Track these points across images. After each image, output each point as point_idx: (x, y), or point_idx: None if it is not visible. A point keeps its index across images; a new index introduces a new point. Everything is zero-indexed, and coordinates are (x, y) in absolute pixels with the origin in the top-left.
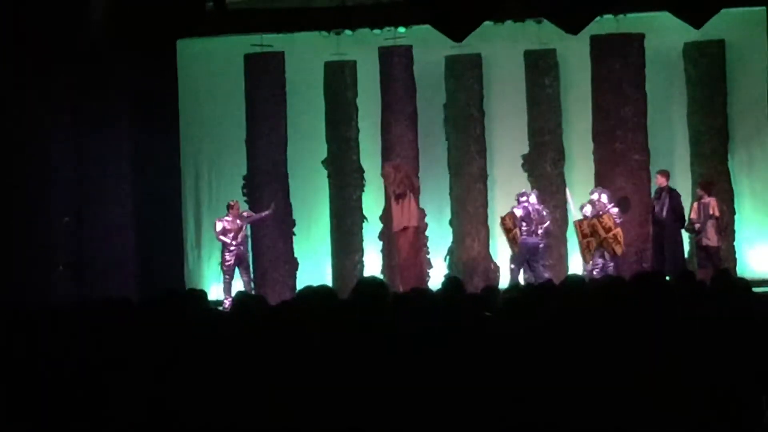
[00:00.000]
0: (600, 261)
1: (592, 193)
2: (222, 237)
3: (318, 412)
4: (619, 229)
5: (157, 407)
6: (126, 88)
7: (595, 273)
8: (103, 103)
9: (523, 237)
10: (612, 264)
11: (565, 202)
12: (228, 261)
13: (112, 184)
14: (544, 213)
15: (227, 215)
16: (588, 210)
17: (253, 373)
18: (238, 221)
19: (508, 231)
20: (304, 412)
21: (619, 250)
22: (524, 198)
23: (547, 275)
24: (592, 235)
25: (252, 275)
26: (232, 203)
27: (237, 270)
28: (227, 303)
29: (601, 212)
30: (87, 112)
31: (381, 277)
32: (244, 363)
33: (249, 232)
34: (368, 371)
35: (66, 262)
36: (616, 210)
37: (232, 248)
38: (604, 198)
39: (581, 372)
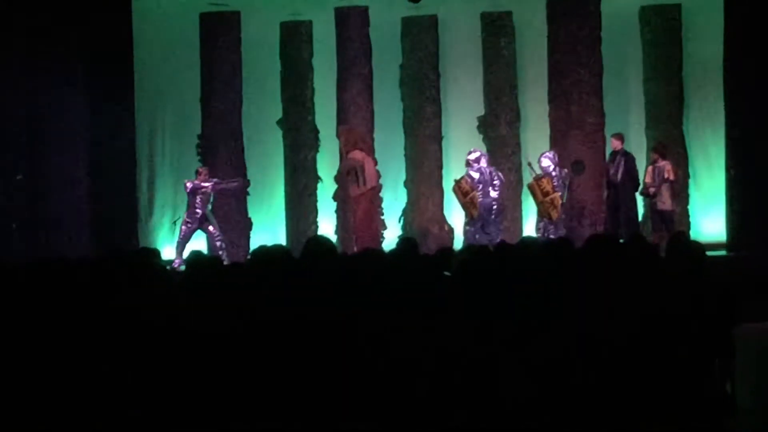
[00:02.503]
0: (541, 225)
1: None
2: (192, 195)
3: (272, 373)
4: (557, 194)
5: (111, 367)
6: (80, 45)
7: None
8: (56, 60)
9: (480, 199)
10: (552, 227)
11: (526, 164)
12: (189, 222)
13: (66, 142)
14: (497, 174)
15: (196, 179)
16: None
17: (205, 333)
18: (207, 186)
19: (465, 194)
20: (258, 374)
21: (554, 214)
22: (474, 158)
23: (500, 237)
24: (551, 192)
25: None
26: (201, 169)
27: (195, 234)
28: (177, 263)
29: (541, 176)
30: (40, 68)
31: (335, 237)
32: (196, 322)
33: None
34: (321, 330)
35: (19, 220)
36: (564, 172)
37: (197, 210)
38: (546, 161)
39: (534, 333)
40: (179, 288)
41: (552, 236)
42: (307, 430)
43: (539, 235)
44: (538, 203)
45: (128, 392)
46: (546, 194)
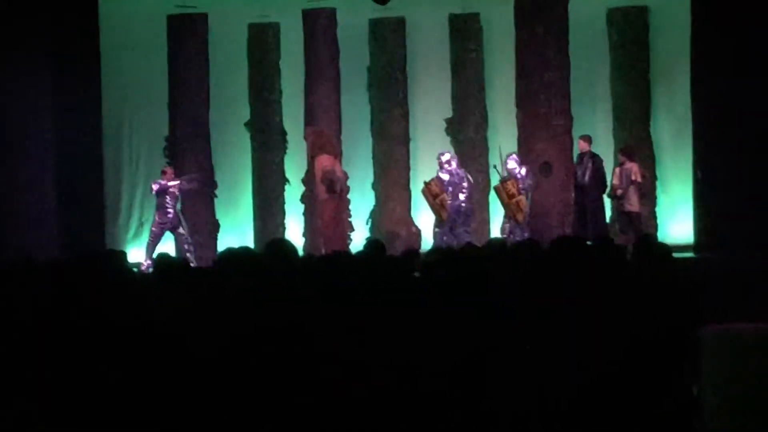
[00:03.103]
0: (507, 227)
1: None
2: (161, 195)
3: (238, 374)
4: (522, 197)
5: (77, 369)
6: (47, 48)
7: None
8: (22, 63)
9: (449, 201)
10: (518, 229)
11: (492, 167)
12: (161, 224)
13: (32, 144)
14: (466, 177)
15: (161, 179)
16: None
17: (174, 335)
18: (174, 185)
19: (435, 196)
20: (225, 375)
21: (520, 217)
22: (446, 159)
23: (467, 239)
24: (517, 195)
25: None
26: (166, 169)
27: (164, 236)
28: (146, 266)
29: (506, 178)
30: (5, 71)
31: (303, 240)
32: (164, 325)
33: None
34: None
35: None
36: (524, 173)
37: (169, 211)
38: (511, 164)
39: (502, 333)
40: (147, 290)
41: (518, 238)
42: None
43: (505, 236)
44: (504, 205)
45: (93, 397)
46: (512, 196)
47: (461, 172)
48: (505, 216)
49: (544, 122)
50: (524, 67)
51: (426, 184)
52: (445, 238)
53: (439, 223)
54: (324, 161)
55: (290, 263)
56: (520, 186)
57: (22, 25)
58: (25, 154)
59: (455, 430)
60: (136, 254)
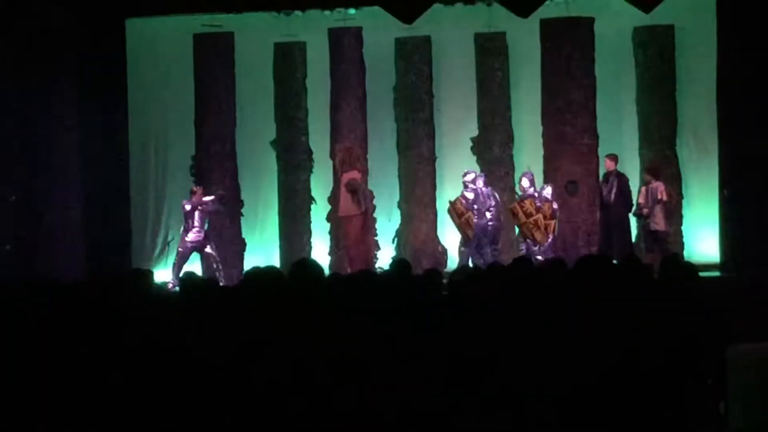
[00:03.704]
0: (523, 246)
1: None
2: (189, 218)
3: (266, 392)
4: (540, 215)
5: (104, 388)
6: (74, 67)
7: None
8: (51, 83)
9: (474, 220)
10: (535, 249)
11: (514, 184)
12: (190, 242)
13: (60, 164)
14: (492, 196)
15: (191, 198)
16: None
17: (202, 354)
18: (207, 202)
19: (460, 215)
20: (253, 394)
21: (539, 236)
22: (470, 179)
23: (494, 258)
24: (534, 213)
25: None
26: (195, 189)
27: (191, 256)
28: (172, 285)
29: (524, 197)
30: (34, 92)
31: (329, 259)
32: (191, 344)
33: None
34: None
35: (12, 241)
36: (549, 192)
37: (198, 230)
38: (525, 182)
39: (528, 353)
40: (175, 310)
41: (538, 257)
42: None
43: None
44: (521, 225)
45: (120, 416)
46: (529, 215)
47: (488, 190)
48: (522, 235)
49: (570, 141)
50: (550, 85)
51: (451, 203)
52: (472, 257)
53: (465, 241)
54: (354, 174)
55: (316, 284)
56: (537, 205)
57: (48, 46)
58: (52, 174)
59: None
60: (162, 274)
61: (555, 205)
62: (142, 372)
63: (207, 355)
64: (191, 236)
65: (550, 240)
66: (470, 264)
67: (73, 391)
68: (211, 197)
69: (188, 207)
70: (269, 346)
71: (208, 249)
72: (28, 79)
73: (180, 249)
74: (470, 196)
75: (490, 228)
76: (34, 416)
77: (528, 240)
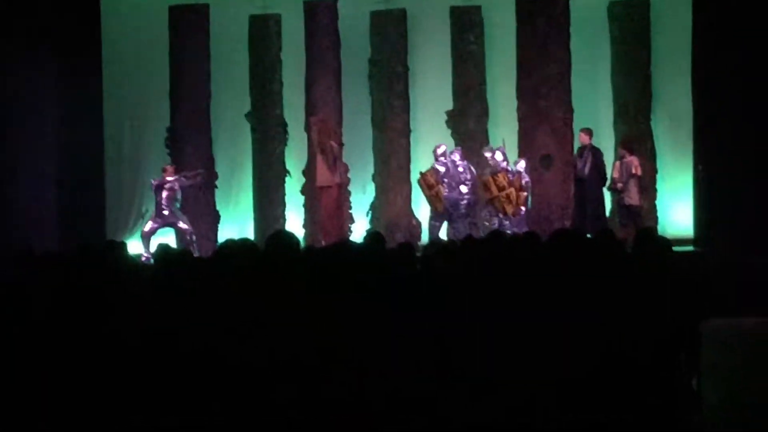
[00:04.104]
0: (495, 220)
1: (485, 150)
2: (158, 192)
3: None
4: (512, 189)
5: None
6: (49, 38)
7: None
8: (26, 54)
9: (445, 193)
10: (507, 223)
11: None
12: (156, 219)
13: (34, 135)
14: (468, 169)
15: (161, 177)
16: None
17: (174, 324)
18: (171, 181)
19: (430, 187)
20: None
21: (509, 209)
22: (441, 152)
23: (467, 232)
24: (507, 187)
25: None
26: (167, 167)
27: (158, 230)
28: (146, 257)
29: (496, 170)
30: (9, 62)
31: (303, 231)
32: (164, 314)
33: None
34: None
35: None
36: (522, 166)
37: (164, 208)
38: (498, 156)
39: (500, 325)
40: (150, 282)
41: (509, 231)
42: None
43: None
44: (493, 198)
45: (93, 388)
46: (501, 189)
47: (464, 164)
48: (493, 209)
49: (545, 115)
50: (525, 60)
51: (422, 174)
52: (443, 230)
53: (434, 215)
54: (333, 144)
55: (292, 255)
56: (510, 179)
57: (24, 18)
58: (26, 145)
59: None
60: (137, 246)
61: (527, 178)
62: (117, 344)
63: (182, 328)
64: (159, 213)
65: (522, 213)
66: (442, 237)
67: (45, 362)
68: (174, 177)
69: (154, 183)
70: (245, 319)
71: (180, 224)
72: (3, 49)
73: (150, 222)
74: (441, 169)
75: (464, 202)
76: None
77: (500, 214)
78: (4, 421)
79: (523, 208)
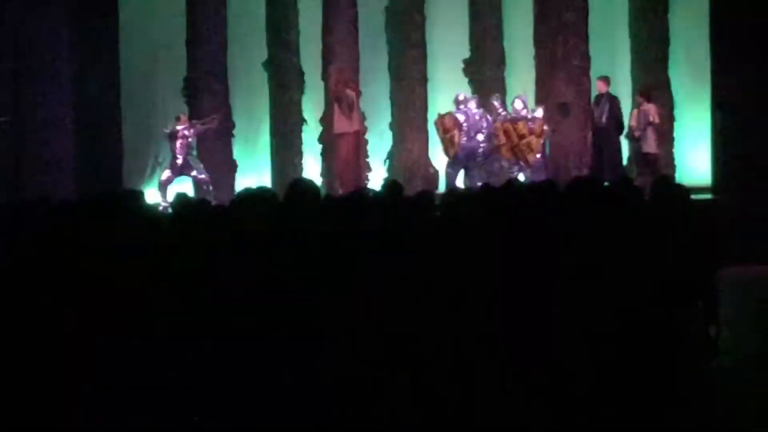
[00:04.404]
0: (515, 168)
1: (494, 99)
2: (172, 141)
3: (259, 314)
4: (533, 137)
5: (100, 309)
6: None
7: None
8: (42, 4)
9: (463, 142)
10: (528, 171)
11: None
12: (170, 168)
13: (51, 85)
14: (485, 117)
15: (176, 125)
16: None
17: (194, 274)
18: (186, 131)
19: (446, 131)
20: (245, 315)
21: (531, 158)
22: (462, 99)
23: (483, 180)
24: (527, 135)
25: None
26: (180, 115)
27: (178, 178)
28: (163, 206)
29: (517, 118)
30: (24, 8)
31: (320, 180)
32: (184, 264)
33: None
34: (310, 271)
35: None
36: (540, 114)
37: (177, 157)
38: (518, 104)
39: (521, 273)
40: (168, 230)
41: (529, 179)
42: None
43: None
44: (513, 146)
45: (112, 333)
46: (522, 137)
47: (480, 112)
48: (513, 157)
49: (562, 63)
50: (542, 7)
51: (440, 116)
52: (463, 178)
53: (450, 162)
54: (348, 92)
55: (311, 203)
56: (530, 126)
57: None
58: (43, 94)
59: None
60: (154, 194)
61: (545, 126)
62: (133, 291)
63: (199, 277)
64: (173, 162)
65: (540, 159)
66: (458, 184)
67: (64, 312)
68: (186, 125)
69: (168, 131)
70: (265, 270)
71: (194, 173)
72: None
73: (165, 171)
74: (461, 117)
75: (481, 150)
76: (25, 338)
77: (521, 162)
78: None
79: (539, 155)
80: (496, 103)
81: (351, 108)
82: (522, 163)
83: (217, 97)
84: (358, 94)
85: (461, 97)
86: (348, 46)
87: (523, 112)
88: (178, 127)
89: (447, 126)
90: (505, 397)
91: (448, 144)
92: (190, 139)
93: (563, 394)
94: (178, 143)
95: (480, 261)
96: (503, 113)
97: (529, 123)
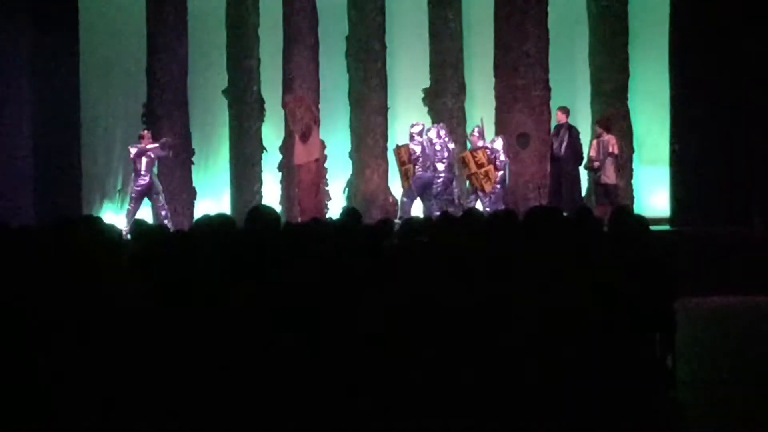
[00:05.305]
0: (472, 197)
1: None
2: (138, 159)
3: (216, 341)
4: (491, 167)
5: (53, 337)
6: (25, 13)
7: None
8: (2, 18)
9: (419, 173)
10: (486, 200)
11: (468, 135)
12: (136, 188)
13: (8, 107)
14: (446, 147)
15: (139, 143)
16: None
17: (150, 301)
18: (154, 147)
19: (401, 164)
20: (203, 343)
21: (488, 187)
22: (417, 131)
23: (441, 209)
24: (486, 164)
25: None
26: (143, 133)
27: (142, 201)
28: (124, 233)
29: (475, 147)
30: None
31: (279, 207)
32: (140, 291)
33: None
34: (267, 298)
35: None
36: (500, 144)
37: (144, 175)
38: (477, 133)
39: (476, 301)
40: (129, 258)
41: (487, 209)
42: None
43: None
44: (471, 174)
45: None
46: (480, 165)
47: (441, 141)
48: (471, 186)
49: (522, 93)
50: (503, 37)
51: (398, 147)
52: (426, 207)
53: (405, 192)
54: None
55: (271, 230)
56: (489, 156)
57: None
58: (2, 119)
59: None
60: (113, 221)
61: (503, 156)
62: (92, 320)
63: (158, 303)
64: (138, 181)
65: (498, 189)
66: (415, 215)
67: (24, 337)
68: (156, 144)
69: (133, 152)
70: (222, 294)
71: (155, 195)
72: None
73: (132, 195)
74: (416, 149)
75: (440, 179)
76: None
77: (478, 191)
78: None
79: (498, 186)
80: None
81: (309, 137)
82: (480, 192)
83: (176, 123)
84: (318, 122)
85: (416, 129)
86: (308, 73)
87: (479, 142)
88: (149, 147)
89: (402, 158)
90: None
91: (403, 175)
92: (154, 158)
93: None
94: (145, 161)
95: (435, 288)
96: (479, 142)
97: (488, 152)
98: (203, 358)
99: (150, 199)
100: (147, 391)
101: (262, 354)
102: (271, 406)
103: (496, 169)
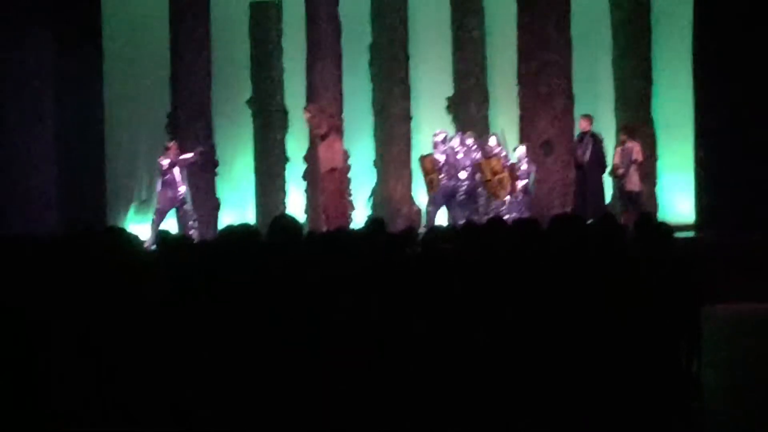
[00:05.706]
0: (493, 204)
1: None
2: (168, 174)
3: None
4: (506, 174)
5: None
6: (49, 21)
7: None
8: (24, 34)
9: (443, 181)
10: (503, 208)
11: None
12: (170, 200)
13: (33, 118)
14: (471, 155)
15: (167, 155)
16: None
17: (176, 312)
18: (189, 157)
19: (426, 173)
20: (227, 352)
21: (502, 195)
22: (441, 139)
23: (467, 218)
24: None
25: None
26: (169, 144)
27: (169, 213)
28: (148, 244)
29: (489, 155)
30: (7, 47)
31: (304, 217)
32: (166, 302)
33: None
34: (291, 308)
35: None
36: (523, 152)
37: (180, 186)
38: (492, 141)
39: (500, 309)
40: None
41: (512, 215)
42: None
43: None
44: (486, 182)
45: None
46: (495, 173)
47: (464, 149)
48: (488, 193)
49: (546, 102)
50: (526, 46)
51: (422, 157)
52: (447, 216)
53: (431, 200)
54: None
55: (293, 240)
56: (504, 164)
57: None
58: (26, 129)
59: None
60: (137, 231)
61: (525, 166)
62: (117, 328)
63: (182, 313)
64: (172, 193)
65: (521, 197)
66: (440, 222)
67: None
68: (189, 155)
69: (165, 163)
70: (246, 303)
71: (186, 206)
72: (1, 30)
73: (158, 207)
74: (440, 158)
75: (463, 188)
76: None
77: (492, 200)
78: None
79: (520, 195)
80: (493, 142)
81: (332, 143)
82: (494, 199)
83: (200, 134)
84: (339, 129)
85: (439, 138)
86: (331, 83)
87: (497, 150)
88: (182, 157)
89: (427, 168)
90: None
91: (428, 184)
92: (185, 168)
93: None
94: (176, 171)
95: (460, 297)
96: (496, 149)
97: (504, 161)
98: (220, 363)
99: (179, 210)
100: (165, 396)
101: (281, 360)
102: (294, 413)
103: (517, 178)
